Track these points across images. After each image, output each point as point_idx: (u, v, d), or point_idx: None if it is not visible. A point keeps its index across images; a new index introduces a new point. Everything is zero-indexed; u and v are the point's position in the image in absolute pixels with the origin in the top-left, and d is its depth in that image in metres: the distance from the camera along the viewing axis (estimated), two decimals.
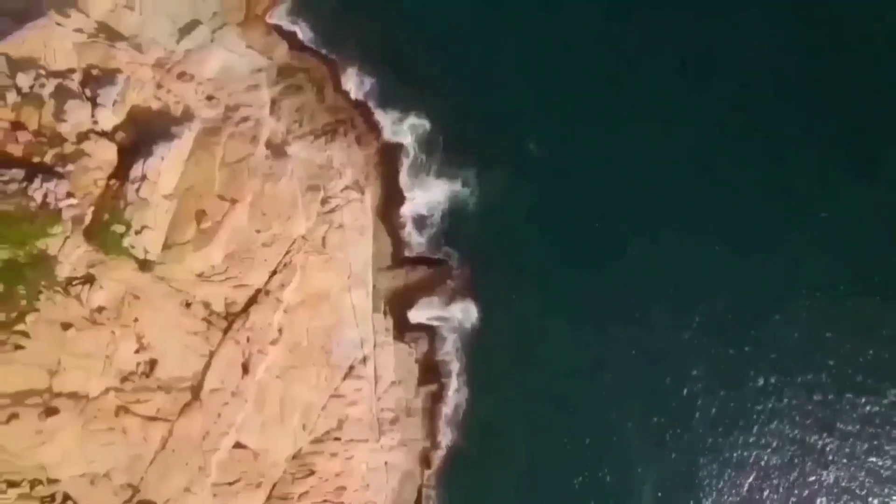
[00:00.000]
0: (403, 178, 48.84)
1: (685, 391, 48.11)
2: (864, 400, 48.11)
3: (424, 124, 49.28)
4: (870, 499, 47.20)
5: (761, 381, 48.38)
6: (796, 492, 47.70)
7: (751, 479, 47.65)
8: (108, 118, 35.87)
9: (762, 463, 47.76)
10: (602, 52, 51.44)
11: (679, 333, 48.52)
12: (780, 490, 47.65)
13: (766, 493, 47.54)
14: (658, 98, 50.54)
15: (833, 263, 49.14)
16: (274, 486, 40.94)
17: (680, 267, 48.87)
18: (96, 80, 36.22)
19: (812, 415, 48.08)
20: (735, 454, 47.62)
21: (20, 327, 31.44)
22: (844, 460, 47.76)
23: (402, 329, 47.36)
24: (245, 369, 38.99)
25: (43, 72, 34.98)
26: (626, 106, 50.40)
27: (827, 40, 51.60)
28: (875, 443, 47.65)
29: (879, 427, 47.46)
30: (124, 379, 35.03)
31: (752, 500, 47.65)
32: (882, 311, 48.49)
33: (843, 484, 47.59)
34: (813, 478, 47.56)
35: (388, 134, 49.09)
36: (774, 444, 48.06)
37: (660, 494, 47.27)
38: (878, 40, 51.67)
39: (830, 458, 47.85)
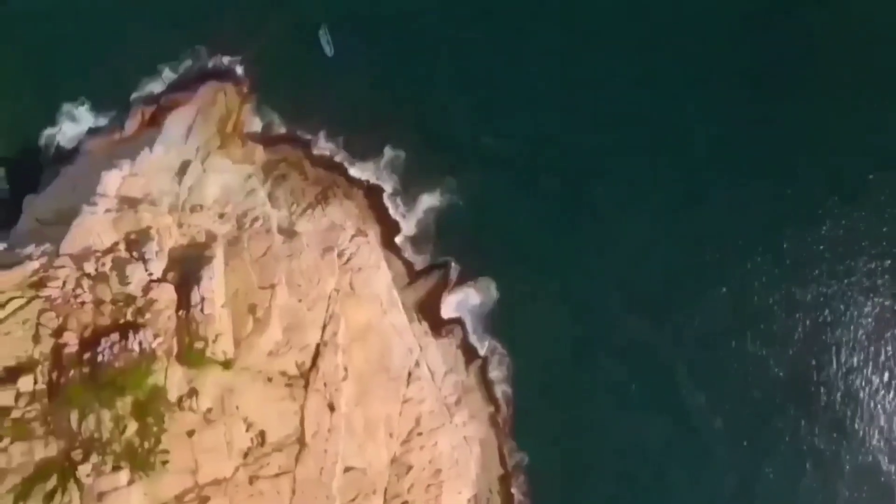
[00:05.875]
0: (392, 209, 53.76)
1: (693, 332, 52.88)
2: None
3: (395, 156, 54.55)
4: None
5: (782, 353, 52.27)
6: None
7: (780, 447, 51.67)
8: (157, 266, 39.43)
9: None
10: (560, 53, 56.39)
11: (669, 290, 53.49)
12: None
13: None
14: (614, 95, 55.95)
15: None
16: (385, 489, 45.29)
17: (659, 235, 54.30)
18: (137, 242, 39.94)
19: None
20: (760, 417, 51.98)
21: (160, 447, 35.95)
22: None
23: (437, 327, 52.48)
24: (331, 408, 42.43)
25: (98, 253, 38.90)
26: (580, 101, 55.73)
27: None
28: None
29: None
30: (245, 454, 38.93)
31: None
32: None
33: None
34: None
35: (366, 178, 53.96)
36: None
37: (690, 416, 51.92)
38: None
39: None
